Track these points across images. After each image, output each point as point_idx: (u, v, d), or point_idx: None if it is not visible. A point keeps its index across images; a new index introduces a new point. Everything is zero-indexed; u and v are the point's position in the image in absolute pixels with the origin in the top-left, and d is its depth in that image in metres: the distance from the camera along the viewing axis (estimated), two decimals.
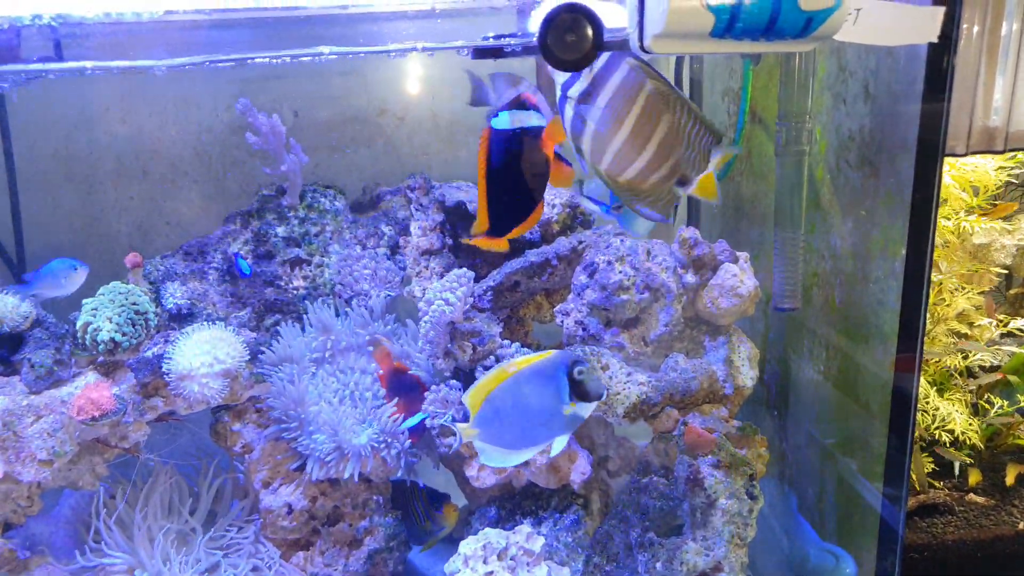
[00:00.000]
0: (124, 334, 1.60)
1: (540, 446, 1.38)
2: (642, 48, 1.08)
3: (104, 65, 1.50)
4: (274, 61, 1.57)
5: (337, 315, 1.87)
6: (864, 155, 1.47)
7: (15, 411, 1.53)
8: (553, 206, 1.77)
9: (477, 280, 1.74)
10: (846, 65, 1.49)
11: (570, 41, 1.08)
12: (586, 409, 1.31)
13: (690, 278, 1.67)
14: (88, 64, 1.49)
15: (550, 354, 1.33)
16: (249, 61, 1.58)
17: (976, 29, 1.29)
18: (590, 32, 1.05)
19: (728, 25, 1.01)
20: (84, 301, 1.63)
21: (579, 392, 1.28)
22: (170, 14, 1.38)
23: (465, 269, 1.71)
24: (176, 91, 2.03)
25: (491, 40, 1.34)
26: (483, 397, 1.32)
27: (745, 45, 1.05)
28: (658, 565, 1.46)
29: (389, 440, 1.69)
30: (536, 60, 1.59)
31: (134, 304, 1.63)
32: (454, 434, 1.68)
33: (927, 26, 1.15)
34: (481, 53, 1.38)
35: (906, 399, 1.41)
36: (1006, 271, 1.88)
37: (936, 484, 1.78)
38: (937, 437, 1.76)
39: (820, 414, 1.76)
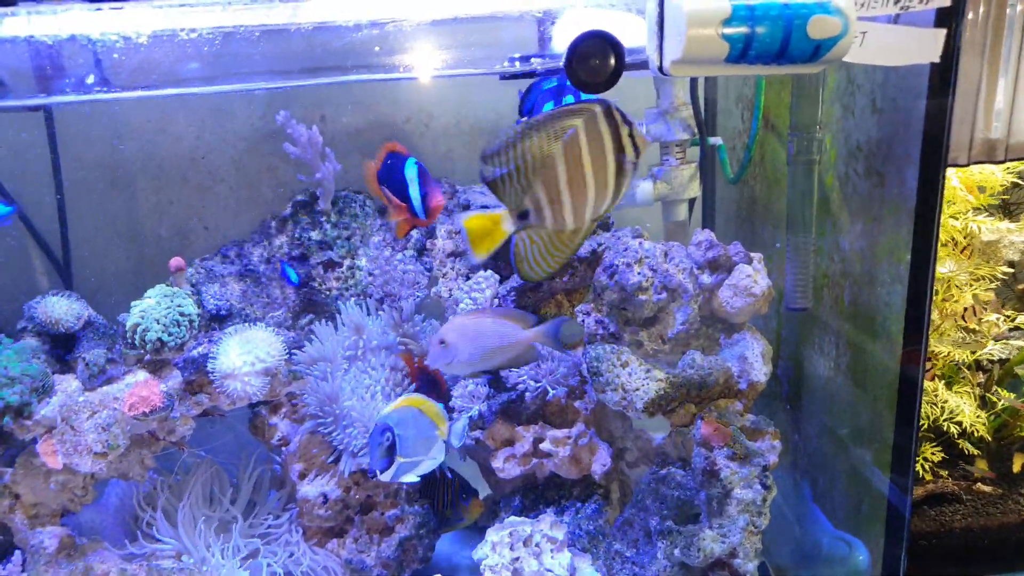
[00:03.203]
0: (171, 334, 1.69)
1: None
2: (661, 71, 1.16)
3: (152, 95, 1.56)
4: (304, 68, 1.63)
5: (368, 315, 1.95)
6: (871, 164, 1.50)
7: (72, 406, 1.61)
8: None
9: (500, 281, 1.81)
10: (854, 79, 1.53)
11: (593, 65, 1.15)
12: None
13: (706, 278, 1.73)
14: (133, 94, 1.56)
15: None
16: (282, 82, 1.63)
17: (977, 44, 1.33)
18: (613, 59, 1.13)
19: (742, 52, 1.08)
20: (132, 303, 1.72)
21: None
22: (220, 29, 1.44)
23: (490, 271, 1.79)
24: (212, 101, 2.10)
25: (517, 61, 1.42)
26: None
27: (758, 69, 1.12)
28: (676, 551, 1.53)
29: None
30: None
31: (179, 306, 1.72)
32: (480, 428, 1.76)
33: (929, 47, 1.21)
34: (510, 78, 1.45)
35: (912, 392, 1.45)
36: (1012, 269, 1.94)
37: (942, 473, 1.84)
38: (945, 429, 1.83)
39: (831, 408, 1.80)
